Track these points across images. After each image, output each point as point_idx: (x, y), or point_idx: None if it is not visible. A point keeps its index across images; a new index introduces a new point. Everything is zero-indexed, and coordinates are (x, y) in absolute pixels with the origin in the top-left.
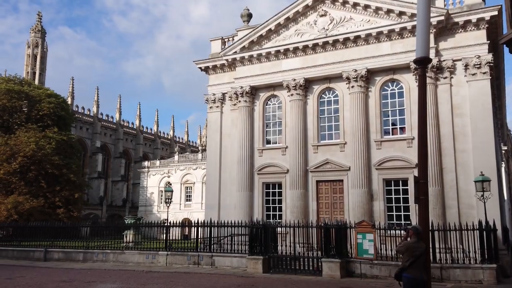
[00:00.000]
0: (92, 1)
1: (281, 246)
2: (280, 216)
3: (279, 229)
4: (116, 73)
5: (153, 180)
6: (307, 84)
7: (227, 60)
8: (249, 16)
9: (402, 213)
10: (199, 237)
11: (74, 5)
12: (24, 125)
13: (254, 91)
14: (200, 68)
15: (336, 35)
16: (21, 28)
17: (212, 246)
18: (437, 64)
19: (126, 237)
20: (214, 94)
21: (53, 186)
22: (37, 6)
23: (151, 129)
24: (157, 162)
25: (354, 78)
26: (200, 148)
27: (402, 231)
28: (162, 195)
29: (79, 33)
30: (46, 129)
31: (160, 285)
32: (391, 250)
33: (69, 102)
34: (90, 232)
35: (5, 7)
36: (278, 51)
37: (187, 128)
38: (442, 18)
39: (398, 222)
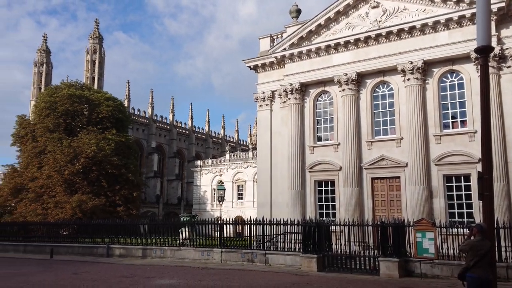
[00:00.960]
0: (145, 6)
1: (335, 244)
2: (334, 214)
3: (333, 227)
4: (168, 75)
5: (205, 178)
6: (359, 79)
7: (276, 57)
8: (298, 12)
9: (464, 211)
10: (252, 234)
11: (128, 11)
12: (85, 128)
13: (304, 88)
14: (249, 67)
15: (389, 27)
16: (80, 35)
17: (265, 244)
18: (499, 53)
19: (182, 234)
20: (263, 92)
21: (113, 185)
22: (94, 13)
23: (202, 129)
24: (209, 161)
25: (409, 70)
26: (250, 146)
27: (465, 229)
28: (214, 193)
29: (133, 38)
30: (105, 131)
31: (216, 282)
32: (453, 249)
33: (126, 105)
34: (148, 229)
35: (65, 16)
36: (328, 46)
37: (237, 127)
38: (503, 4)
39: (460, 220)
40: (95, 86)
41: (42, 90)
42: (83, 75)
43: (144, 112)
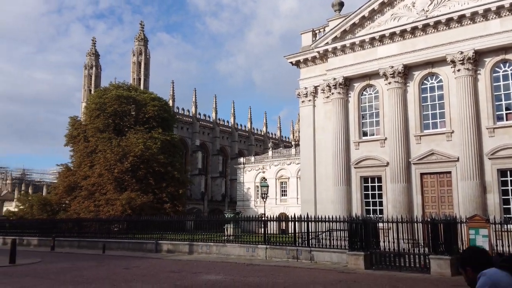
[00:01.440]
0: (187, 6)
1: (383, 242)
2: (381, 211)
3: (380, 224)
4: (210, 74)
5: (249, 175)
6: (406, 71)
7: (318, 52)
8: (341, 4)
9: None
10: (297, 231)
11: (171, 12)
12: (133, 128)
13: (347, 82)
14: (291, 62)
15: (437, 16)
16: (126, 37)
17: (310, 240)
18: None
19: (227, 230)
20: (305, 88)
21: (160, 183)
22: (139, 15)
23: (245, 126)
24: (252, 158)
25: (460, 60)
26: (293, 143)
27: None
28: (258, 190)
29: (176, 38)
30: (152, 131)
31: (262, 278)
32: (508, 246)
33: (170, 104)
34: (194, 225)
35: (111, 19)
36: (373, 38)
37: (279, 123)
38: None
39: None
40: (141, 87)
41: (92, 92)
42: (130, 76)
43: (188, 111)
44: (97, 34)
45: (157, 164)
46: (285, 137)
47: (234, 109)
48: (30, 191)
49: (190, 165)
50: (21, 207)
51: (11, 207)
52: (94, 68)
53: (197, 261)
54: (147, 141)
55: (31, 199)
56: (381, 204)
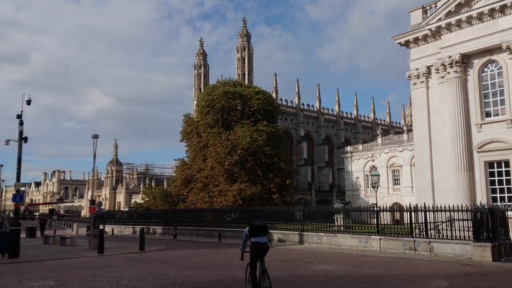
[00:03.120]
0: None
1: None
2: (510, 199)
3: (509, 213)
4: (312, 62)
5: (357, 164)
6: None
7: (430, 29)
8: None
9: None
10: (413, 222)
11: (271, 4)
12: (239, 122)
13: (465, 59)
14: (399, 43)
15: None
16: (230, 35)
17: (429, 231)
18: None
19: (336, 221)
20: (417, 69)
21: (267, 174)
22: (241, 12)
23: (350, 114)
24: (360, 147)
25: None
26: (405, 128)
27: None
28: (368, 179)
29: (276, 29)
30: (257, 123)
31: (377, 269)
32: None
33: (274, 97)
34: (303, 216)
35: (216, 18)
36: (492, 10)
37: (388, 108)
38: None
39: None
40: (246, 82)
41: (202, 90)
42: (234, 72)
43: (291, 102)
44: (203, 34)
45: (263, 156)
46: (396, 123)
47: (338, 97)
48: (153, 184)
49: (296, 156)
50: (146, 199)
51: (138, 199)
52: (202, 67)
53: (308, 251)
54: (253, 134)
55: (154, 192)
56: (509, 190)
